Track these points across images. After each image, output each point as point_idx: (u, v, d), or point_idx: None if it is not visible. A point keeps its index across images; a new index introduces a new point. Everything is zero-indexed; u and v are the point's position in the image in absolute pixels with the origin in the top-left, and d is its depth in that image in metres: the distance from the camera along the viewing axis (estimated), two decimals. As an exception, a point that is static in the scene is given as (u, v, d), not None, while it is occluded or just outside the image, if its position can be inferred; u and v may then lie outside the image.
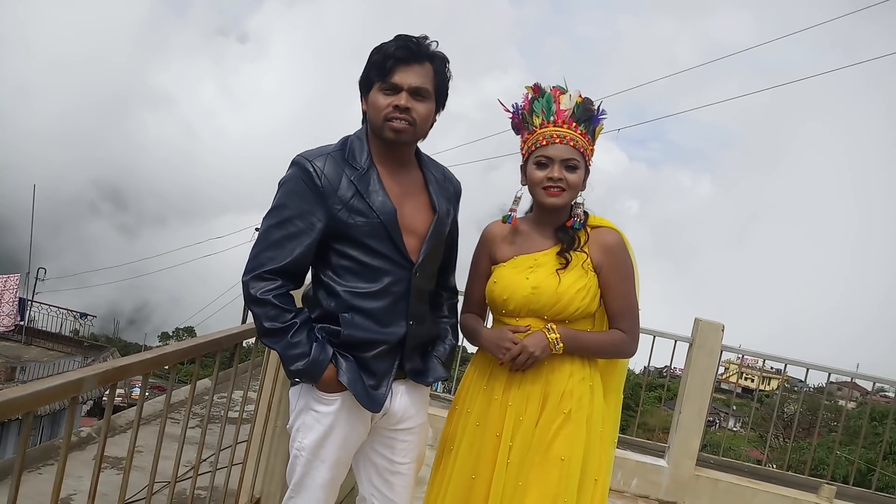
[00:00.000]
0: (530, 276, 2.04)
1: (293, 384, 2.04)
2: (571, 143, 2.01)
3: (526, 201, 2.15)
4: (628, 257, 2.10)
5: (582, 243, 2.06)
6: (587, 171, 2.08)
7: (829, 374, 5.00)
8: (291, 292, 1.94)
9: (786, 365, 4.82)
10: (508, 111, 2.13)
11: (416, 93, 1.91)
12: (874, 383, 5.45)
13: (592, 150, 2.08)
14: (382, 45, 1.93)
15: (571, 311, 2.02)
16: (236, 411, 3.78)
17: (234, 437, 2.74)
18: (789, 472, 5.00)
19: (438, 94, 1.99)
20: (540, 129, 2.04)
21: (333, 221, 1.90)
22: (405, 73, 1.90)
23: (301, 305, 1.99)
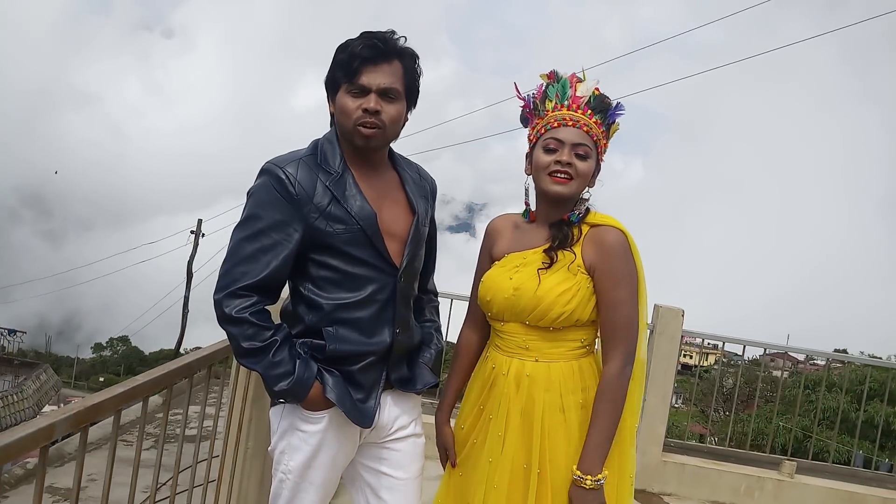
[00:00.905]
0: (514, 276, 1.89)
1: (274, 404, 1.94)
2: (585, 129, 1.87)
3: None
4: (628, 261, 1.86)
5: (575, 241, 1.89)
6: (598, 167, 1.92)
7: (765, 350, 5.32)
8: (268, 308, 1.83)
9: (723, 343, 4.97)
10: (522, 98, 1.98)
11: (385, 94, 1.82)
12: (806, 356, 5.76)
13: (606, 145, 1.93)
14: (348, 43, 1.83)
15: (553, 318, 1.83)
16: (193, 428, 3.63)
17: (194, 456, 2.59)
18: (752, 452, 5.11)
19: (409, 93, 1.89)
20: (552, 112, 1.90)
21: (310, 231, 1.80)
22: (373, 73, 1.80)
23: (279, 321, 1.89)
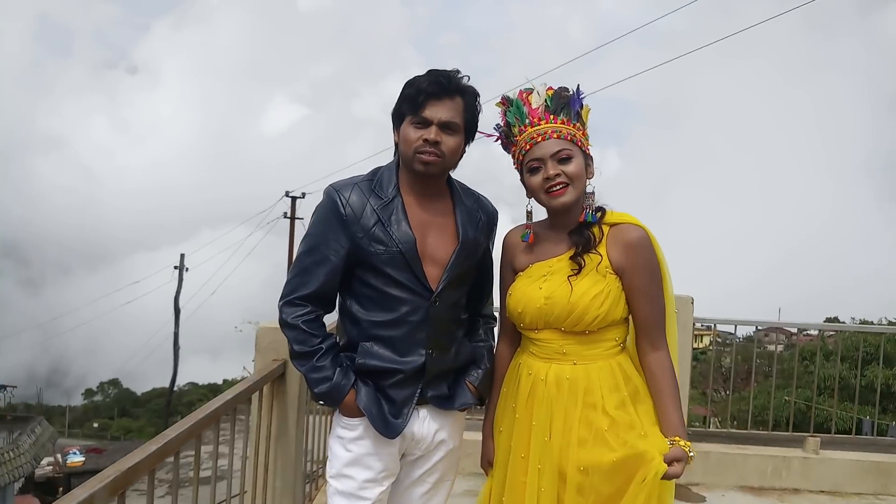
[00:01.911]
0: (543, 286, 1.92)
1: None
2: (555, 135, 1.89)
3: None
4: (653, 256, 1.92)
5: (597, 242, 1.91)
6: (588, 157, 1.95)
7: (756, 327, 5.33)
8: (324, 317, 2.01)
9: (714, 325, 5.00)
10: (491, 136, 2.03)
11: (445, 126, 1.94)
12: (799, 329, 6.21)
13: (584, 135, 1.95)
14: (415, 79, 1.97)
15: (589, 322, 1.87)
16: (207, 469, 3.54)
17: (211, 497, 2.48)
18: (774, 432, 5.08)
19: (468, 127, 2.00)
20: (520, 136, 1.94)
21: (356, 249, 1.95)
22: (436, 107, 1.93)
23: (333, 332, 2.05)
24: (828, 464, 4.56)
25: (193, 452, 2.35)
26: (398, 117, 2.00)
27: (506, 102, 1.99)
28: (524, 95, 1.95)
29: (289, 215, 24.56)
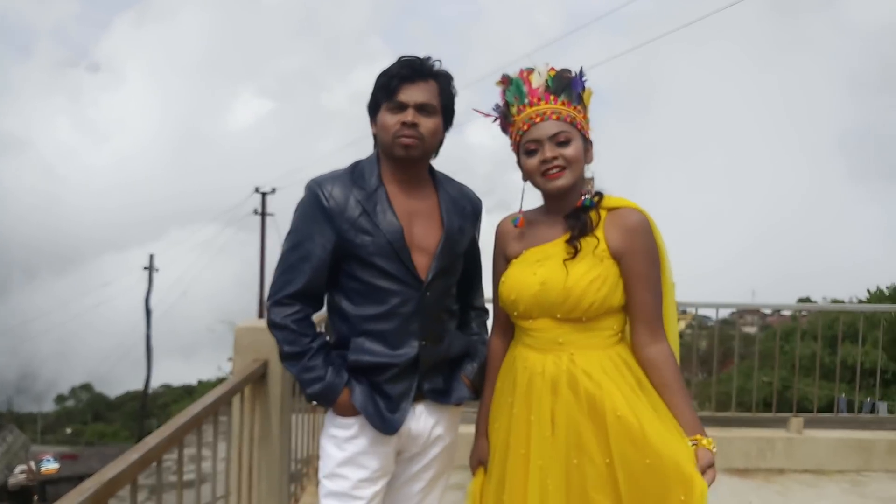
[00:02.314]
0: (538, 271, 1.83)
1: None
2: (554, 117, 1.83)
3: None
4: (653, 241, 1.84)
5: (595, 226, 1.84)
6: (588, 142, 1.88)
7: (737, 309, 5.37)
8: (313, 316, 1.98)
9: (696, 308, 5.01)
10: (490, 115, 1.97)
11: (422, 108, 1.92)
12: (773, 311, 5.99)
13: (585, 118, 1.89)
14: (387, 68, 1.95)
15: (585, 307, 1.78)
16: (191, 472, 3.47)
17: (195, 502, 2.41)
18: (758, 414, 5.10)
19: (445, 111, 1.98)
20: (518, 116, 1.87)
21: (342, 242, 1.92)
22: (410, 90, 1.91)
23: (323, 331, 2.04)
24: (811, 443, 4.61)
25: (175, 456, 2.28)
26: (374, 108, 1.98)
27: (506, 81, 1.92)
28: (525, 74, 1.88)
29: (259, 211, 24.33)
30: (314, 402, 1.97)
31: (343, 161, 2.06)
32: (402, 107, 1.90)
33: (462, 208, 2.05)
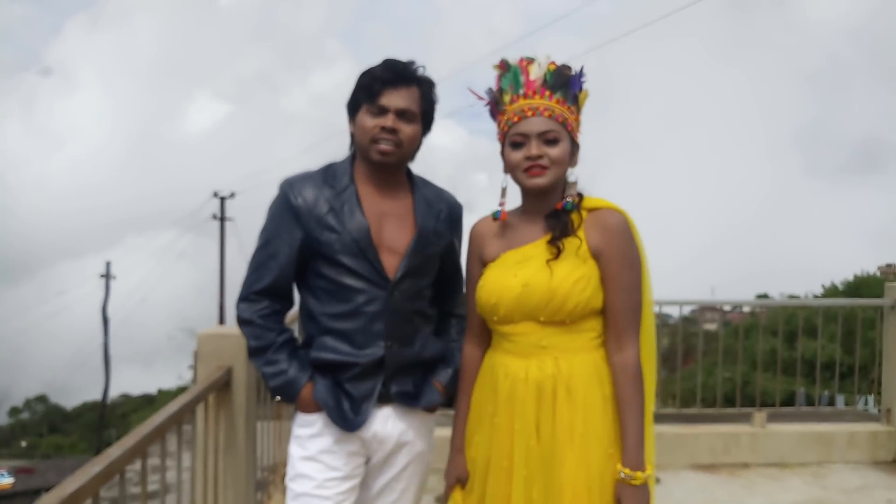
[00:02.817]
0: (519, 273, 1.77)
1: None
2: (547, 114, 1.76)
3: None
4: (632, 243, 1.79)
5: (576, 227, 1.79)
6: (575, 145, 1.83)
7: (698, 307, 5.41)
8: (280, 312, 1.99)
9: (660, 306, 5.06)
10: (482, 98, 1.89)
11: (402, 114, 1.91)
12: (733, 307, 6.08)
13: (577, 120, 1.83)
14: (371, 68, 1.93)
15: (570, 309, 1.73)
16: (154, 483, 3.39)
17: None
18: (723, 410, 5.16)
19: (425, 117, 1.98)
20: (510, 105, 1.81)
21: (309, 240, 1.91)
22: (392, 95, 1.90)
23: (293, 330, 2.03)
24: (774, 437, 4.68)
25: (138, 468, 2.22)
26: (353, 107, 1.96)
27: (504, 66, 1.84)
28: (524, 63, 1.82)
29: (218, 216, 24.00)
30: (278, 398, 1.96)
31: (303, 164, 2.06)
32: (383, 111, 1.90)
33: (438, 211, 2.02)
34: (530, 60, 1.82)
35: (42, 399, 55.20)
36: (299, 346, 1.99)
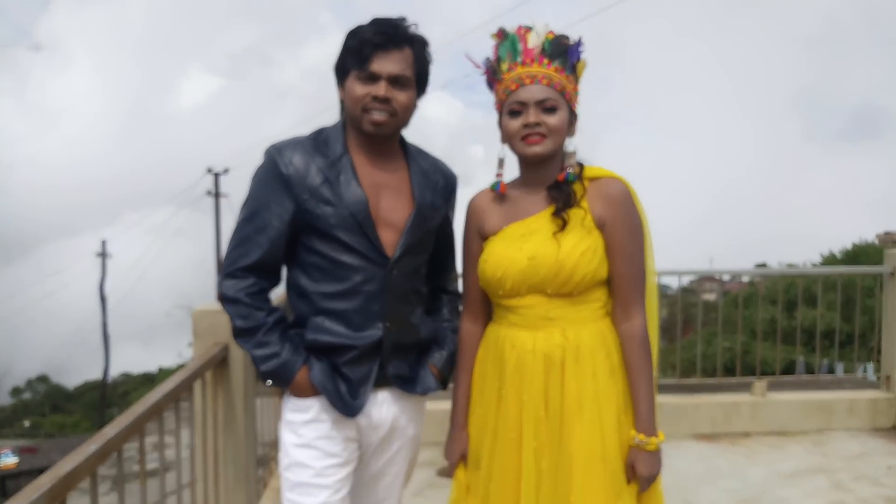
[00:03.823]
0: (525, 246, 1.76)
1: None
2: (545, 82, 1.74)
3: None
4: (635, 211, 1.78)
5: (579, 198, 1.78)
6: (573, 114, 1.81)
7: (697, 276, 5.39)
8: (268, 290, 1.86)
9: (659, 276, 5.03)
10: (479, 67, 1.86)
11: (396, 81, 1.78)
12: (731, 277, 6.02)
13: (575, 90, 1.81)
14: (358, 29, 1.79)
15: (578, 280, 1.72)
16: (154, 461, 3.39)
17: (160, 490, 2.32)
18: (723, 379, 5.16)
19: (419, 80, 1.85)
20: (508, 73, 1.78)
21: (301, 213, 1.78)
22: (384, 60, 1.76)
23: (280, 306, 1.88)
24: (775, 405, 4.68)
25: (137, 445, 2.20)
26: (342, 72, 1.83)
27: (501, 35, 1.82)
28: (522, 31, 1.79)
29: (212, 192, 23.90)
30: (269, 383, 1.84)
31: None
32: (374, 78, 1.77)
33: (434, 182, 1.92)
34: (528, 29, 1.79)
35: (43, 379, 55.45)
36: (290, 326, 1.85)
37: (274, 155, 1.80)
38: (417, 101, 1.87)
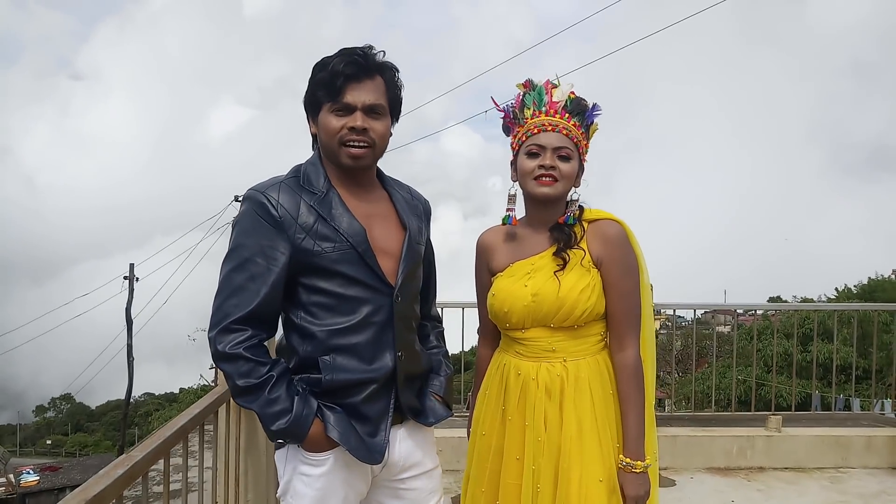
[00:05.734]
0: (529, 283, 1.91)
1: (278, 447, 1.83)
2: (564, 132, 1.91)
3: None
4: (630, 251, 1.93)
5: (579, 239, 1.93)
6: (581, 167, 1.97)
7: (711, 309, 5.47)
8: (266, 342, 1.74)
9: (674, 310, 5.07)
10: (501, 110, 2.02)
11: (371, 110, 1.77)
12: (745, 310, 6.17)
13: (587, 146, 1.98)
14: (327, 60, 1.76)
15: (578, 316, 1.87)
16: (177, 482, 3.45)
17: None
18: (738, 413, 5.16)
19: (392, 107, 1.84)
20: (531, 119, 1.94)
21: (298, 253, 1.72)
22: (357, 90, 1.75)
23: (276, 357, 1.80)
24: (790, 441, 4.67)
25: (161, 467, 2.27)
26: (313, 106, 1.80)
27: (528, 85, 1.99)
28: (549, 86, 1.97)
29: (238, 219, 24.09)
30: (279, 441, 1.75)
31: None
32: (350, 109, 1.75)
33: (415, 208, 1.96)
34: (554, 85, 1.97)
35: (68, 398, 55.82)
36: (291, 375, 1.75)
37: (259, 198, 1.73)
38: (392, 128, 1.86)
